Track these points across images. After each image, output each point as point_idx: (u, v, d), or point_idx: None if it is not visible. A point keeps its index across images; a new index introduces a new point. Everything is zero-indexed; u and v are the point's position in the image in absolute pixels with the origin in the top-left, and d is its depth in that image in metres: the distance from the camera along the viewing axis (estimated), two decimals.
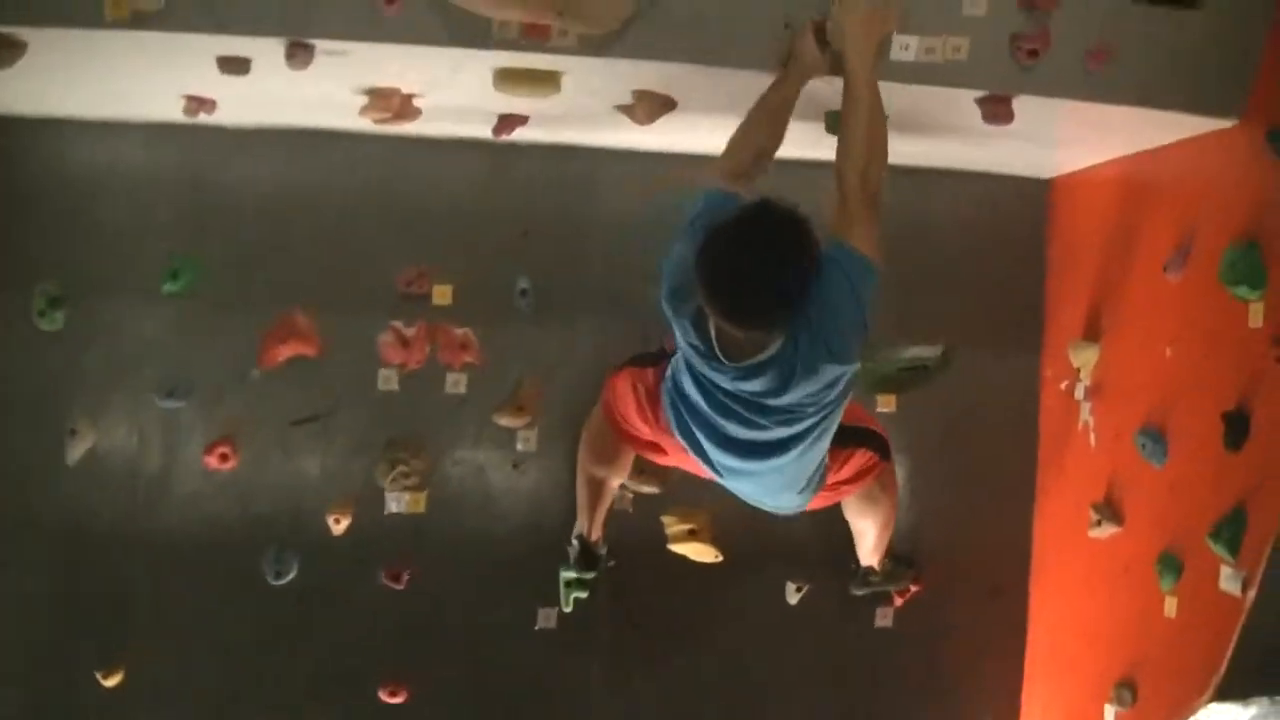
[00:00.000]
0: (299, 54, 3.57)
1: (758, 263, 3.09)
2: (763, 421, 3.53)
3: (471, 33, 3.50)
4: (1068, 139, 4.41)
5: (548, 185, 4.75)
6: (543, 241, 4.75)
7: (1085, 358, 4.64)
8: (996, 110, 3.86)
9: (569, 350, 4.79)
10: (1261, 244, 3.76)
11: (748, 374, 3.38)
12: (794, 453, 3.65)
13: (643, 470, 4.61)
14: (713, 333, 3.36)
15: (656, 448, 4.13)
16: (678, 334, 3.50)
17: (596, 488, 4.44)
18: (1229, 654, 3.82)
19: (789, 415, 3.51)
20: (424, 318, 4.69)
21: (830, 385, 3.43)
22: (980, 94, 3.82)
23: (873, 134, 3.44)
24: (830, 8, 3.52)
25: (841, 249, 3.31)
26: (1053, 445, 4.96)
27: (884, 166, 3.47)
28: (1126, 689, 4.31)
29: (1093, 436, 4.65)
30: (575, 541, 4.56)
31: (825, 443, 3.76)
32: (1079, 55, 3.72)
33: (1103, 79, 3.76)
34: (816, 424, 3.59)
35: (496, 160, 4.68)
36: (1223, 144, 3.96)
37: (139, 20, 3.42)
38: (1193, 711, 3.99)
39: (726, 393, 3.51)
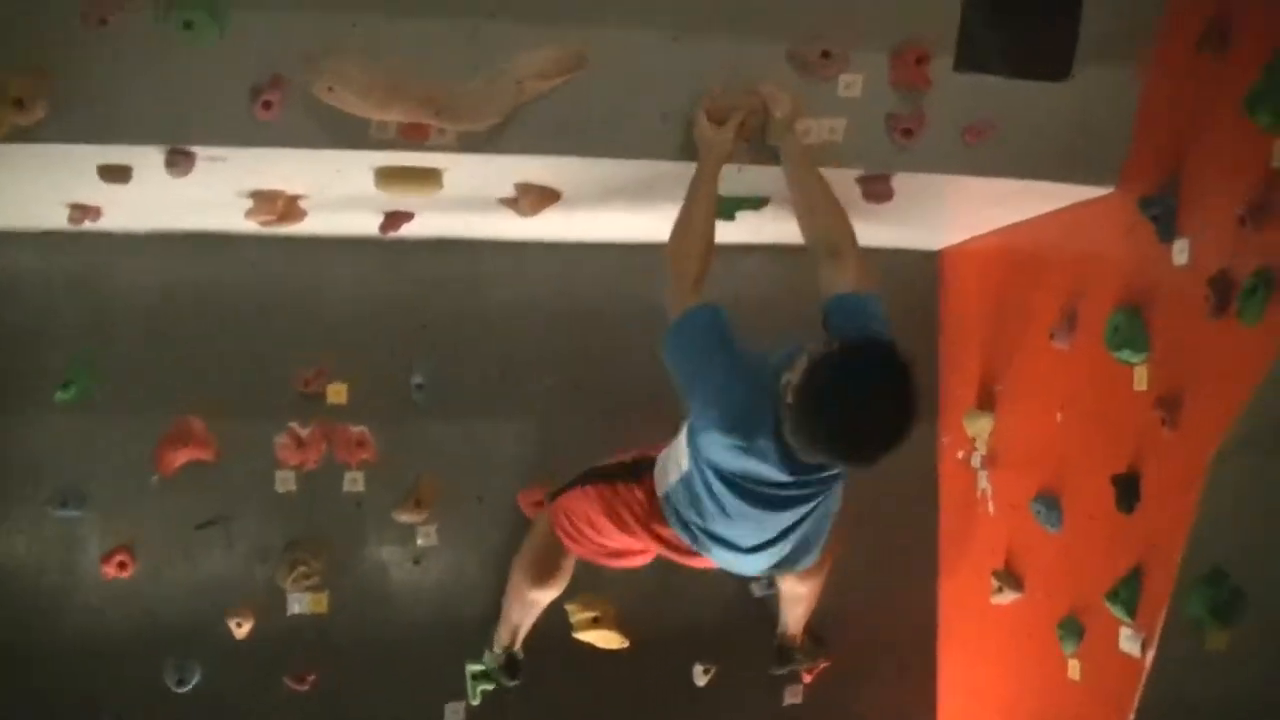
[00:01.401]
0: (179, 161, 3.54)
1: (890, 424, 3.09)
2: (810, 493, 3.57)
3: (349, 134, 3.49)
4: (951, 212, 4.50)
5: (437, 279, 4.74)
6: (435, 335, 4.74)
7: (980, 426, 4.70)
8: (876, 189, 3.94)
9: (466, 442, 4.77)
10: (1143, 308, 3.84)
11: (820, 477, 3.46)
12: (823, 514, 3.74)
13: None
14: (795, 451, 3.28)
15: (636, 554, 4.15)
16: (735, 460, 3.44)
17: (534, 607, 4.40)
18: (1133, 714, 3.87)
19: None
20: (320, 417, 4.65)
21: None
22: (859, 173, 3.89)
23: (830, 189, 3.58)
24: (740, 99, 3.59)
25: (867, 298, 3.47)
26: (953, 514, 5.01)
27: None
28: None
29: (990, 505, 4.70)
30: (500, 653, 4.50)
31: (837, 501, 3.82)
32: (956, 131, 3.79)
33: (980, 153, 3.84)
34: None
35: (385, 256, 4.66)
36: (1100, 212, 4.06)
37: (18, 134, 3.37)
38: None
39: (783, 485, 3.48)
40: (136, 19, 3.31)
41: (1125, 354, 3.87)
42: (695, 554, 3.94)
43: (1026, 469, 4.45)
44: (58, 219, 4.20)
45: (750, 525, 3.67)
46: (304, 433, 4.63)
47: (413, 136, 3.53)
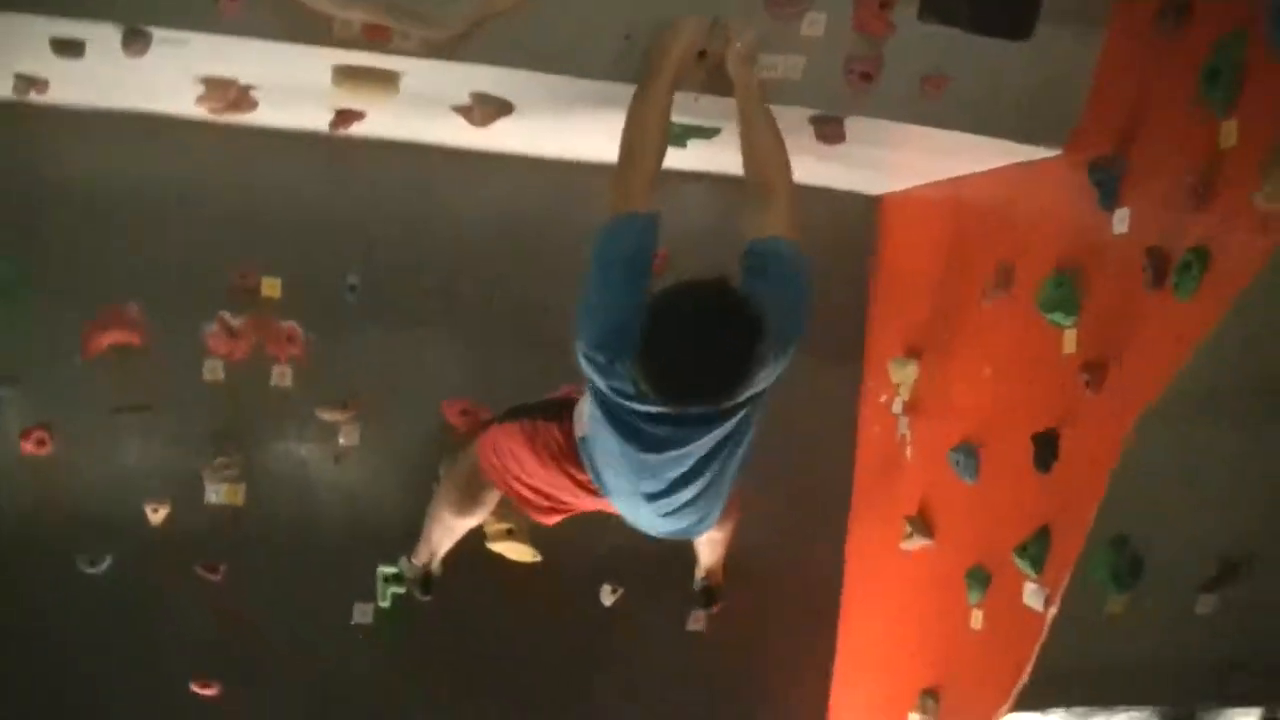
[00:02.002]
0: (135, 41, 3.48)
1: (718, 364, 3.09)
2: (696, 438, 3.49)
3: (311, 30, 3.44)
4: (897, 160, 4.52)
5: (382, 182, 4.70)
6: (376, 239, 4.71)
7: (905, 374, 4.77)
8: (828, 130, 3.95)
9: (396, 349, 4.76)
10: (1078, 272, 3.92)
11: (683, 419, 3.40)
12: (723, 464, 3.64)
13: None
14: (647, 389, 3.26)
15: (558, 505, 4.11)
16: (601, 383, 3.39)
17: (453, 532, 4.39)
18: (1030, 666, 3.99)
19: (725, 421, 3.49)
20: (253, 311, 4.61)
21: (763, 394, 3.49)
22: (814, 113, 3.90)
23: (777, 130, 3.56)
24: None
25: (790, 246, 3.41)
26: (870, 458, 5.09)
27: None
28: (931, 698, 4.47)
29: (909, 450, 4.79)
30: (418, 566, 4.48)
31: (747, 443, 3.70)
32: (913, 80, 3.82)
33: (934, 104, 3.87)
34: (747, 416, 3.56)
35: (332, 154, 4.59)
36: (1046, 173, 4.12)
37: None
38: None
39: (667, 420, 3.42)
40: None
41: (1057, 316, 3.95)
42: (605, 499, 3.95)
43: (948, 419, 4.54)
44: (2, 89, 4.09)
45: (632, 467, 3.62)
46: (235, 323, 4.59)
47: (375, 37, 3.49)
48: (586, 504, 4.07)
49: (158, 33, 3.47)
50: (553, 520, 4.21)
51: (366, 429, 4.76)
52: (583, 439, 3.82)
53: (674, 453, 3.52)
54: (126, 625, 4.61)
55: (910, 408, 4.79)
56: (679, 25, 3.53)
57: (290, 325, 4.65)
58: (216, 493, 4.63)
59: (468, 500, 4.25)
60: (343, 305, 4.69)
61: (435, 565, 4.49)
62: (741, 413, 3.50)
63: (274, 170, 4.62)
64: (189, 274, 4.57)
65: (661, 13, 3.57)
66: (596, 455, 3.75)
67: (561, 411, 3.95)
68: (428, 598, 4.50)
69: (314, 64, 3.66)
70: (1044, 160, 4.12)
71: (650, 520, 3.85)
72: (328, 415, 4.71)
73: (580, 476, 3.93)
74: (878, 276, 5.14)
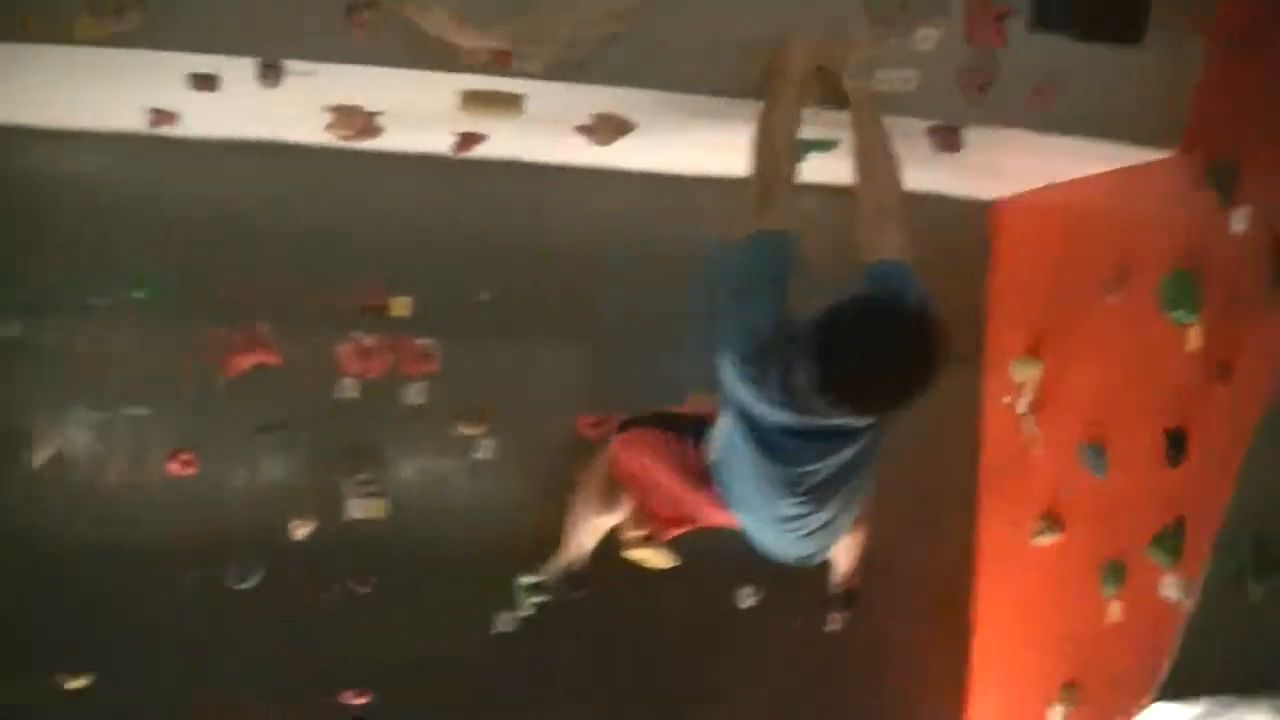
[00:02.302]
0: (270, 74, 3.65)
1: (900, 383, 3.06)
2: (837, 452, 3.49)
3: (440, 56, 3.58)
4: (1011, 165, 4.56)
5: (505, 200, 4.84)
6: (502, 255, 4.85)
7: (1028, 374, 4.82)
8: (945, 139, 4.03)
9: (529, 363, 4.91)
10: (1197, 271, 3.96)
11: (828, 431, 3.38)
12: (860, 476, 3.64)
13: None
14: (802, 397, 3.20)
15: (683, 517, 4.16)
16: (747, 397, 3.40)
17: (596, 531, 4.46)
18: (1173, 656, 4.01)
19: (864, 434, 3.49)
20: (384, 330, 4.78)
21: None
22: (931, 123, 3.98)
23: (890, 144, 3.58)
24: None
25: (905, 269, 3.40)
26: (995, 458, 5.14)
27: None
28: (1071, 691, 4.50)
29: (1036, 449, 4.83)
30: (563, 566, 4.56)
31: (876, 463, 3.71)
32: (1026, 88, 3.88)
33: (1048, 111, 3.92)
34: (879, 435, 3.55)
35: (456, 176, 4.73)
36: (1160, 174, 4.16)
37: (116, 40, 3.47)
38: (1137, 711, 4.17)
39: (806, 434, 3.41)
40: None
41: (1179, 314, 4.00)
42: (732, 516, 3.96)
43: (1073, 417, 4.59)
44: (135, 122, 4.30)
45: (770, 484, 3.59)
46: (368, 342, 4.77)
47: (502, 61, 3.62)
48: (713, 519, 4.07)
49: (290, 64, 3.63)
50: (672, 534, 4.28)
51: (502, 442, 4.91)
52: (714, 463, 3.84)
53: (811, 467, 3.51)
54: (276, 637, 4.78)
55: (1035, 407, 4.83)
56: (799, 41, 3.62)
57: (424, 343, 4.81)
58: (358, 508, 4.81)
59: (606, 499, 4.32)
60: (475, 321, 4.84)
61: (580, 564, 4.56)
62: (875, 430, 3.50)
63: (401, 192, 4.78)
64: (321, 295, 4.73)
65: (776, 26, 3.65)
66: (732, 478, 3.75)
67: (698, 429, 3.96)
68: (579, 593, 4.55)
69: (439, 89, 3.79)
70: (1157, 162, 4.15)
71: (781, 542, 3.86)
72: (464, 429, 4.86)
73: (710, 494, 3.94)
74: (994, 280, 5.20)
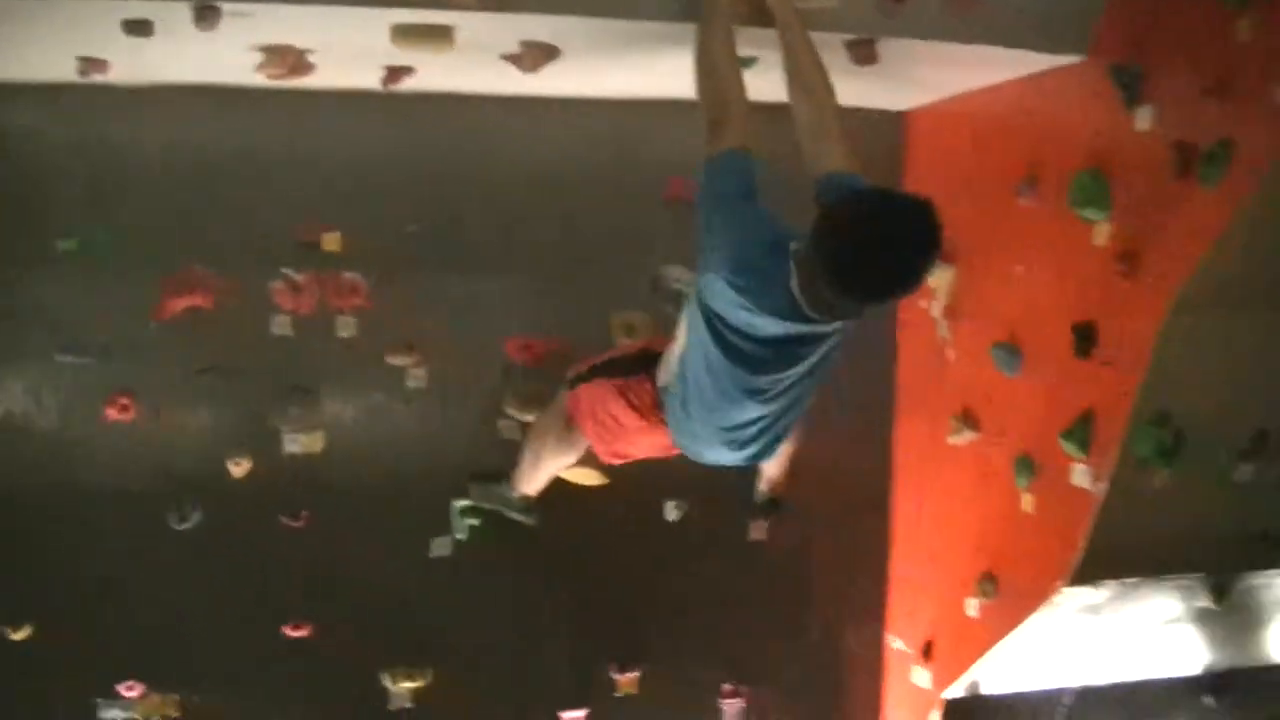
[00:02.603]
0: (207, 15, 3.66)
1: (911, 264, 3.15)
2: (801, 359, 3.59)
3: None
4: (924, 76, 4.70)
5: (434, 132, 4.88)
6: (431, 187, 4.90)
7: (942, 279, 5.00)
8: (863, 52, 4.15)
9: (456, 291, 4.96)
10: (1105, 169, 4.14)
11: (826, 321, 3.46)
12: (808, 387, 3.76)
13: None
14: (801, 302, 3.35)
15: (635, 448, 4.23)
16: (733, 308, 3.47)
17: (551, 469, 4.53)
18: (1082, 543, 4.25)
19: (824, 344, 3.60)
20: (316, 266, 4.81)
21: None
22: (849, 37, 4.10)
23: (820, 59, 3.70)
24: None
25: (857, 179, 3.48)
26: (911, 362, 5.34)
27: None
28: (989, 581, 4.73)
29: (950, 351, 5.04)
30: (518, 496, 4.62)
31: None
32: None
33: (963, 21, 4.06)
34: (834, 353, 3.70)
35: (383, 110, 4.77)
36: (1069, 78, 4.33)
37: None
38: (1051, 595, 4.42)
39: (781, 341, 3.50)
40: None
41: (1089, 212, 4.19)
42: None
43: (986, 318, 4.79)
44: (65, 72, 4.27)
45: (730, 393, 3.70)
46: (299, 279, 4.81)
47: None
48: (653, 450, 4.22)
49: (226, 6, 3.64)
50: (621, 460, 4.36)
51: (433, 370, 4.98)
52: (664, 388, 3.95)
53: (783, 374, 3.63)
54: (218, 575, 4.83)
55: (950, 311, 5.02)
56: None
57: (353, 276, 4.85)
58: (295, 442, 4.86)
59: (563, 443, 4.38)
60: (402, 254, 4.88)
61: (533, 495, 4.63)
62: (837, 338, 3.63)
63: (329, 129, 4.81)
64: (252, 235, 4.78)
65: None
66: (687, 395, 3.82)
67: (648, 364, 4.06)
68: (533, 522, 4.64)
69: (372, 24, 3.82)
70: (1065, 67, 4.31)
71: (727, 452, 3.96)
72: (395, 360, 4.93)
73: (650, 422, 4.07)
74: (909, 188, 5.32)
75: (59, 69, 4.27)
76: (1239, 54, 3.65)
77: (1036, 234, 4.50)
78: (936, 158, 5.18)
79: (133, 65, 4.28)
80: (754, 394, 3.68)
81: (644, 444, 4.21)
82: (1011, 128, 4.70)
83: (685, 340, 3.77)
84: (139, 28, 3.79)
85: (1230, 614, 4.92)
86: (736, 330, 3.53)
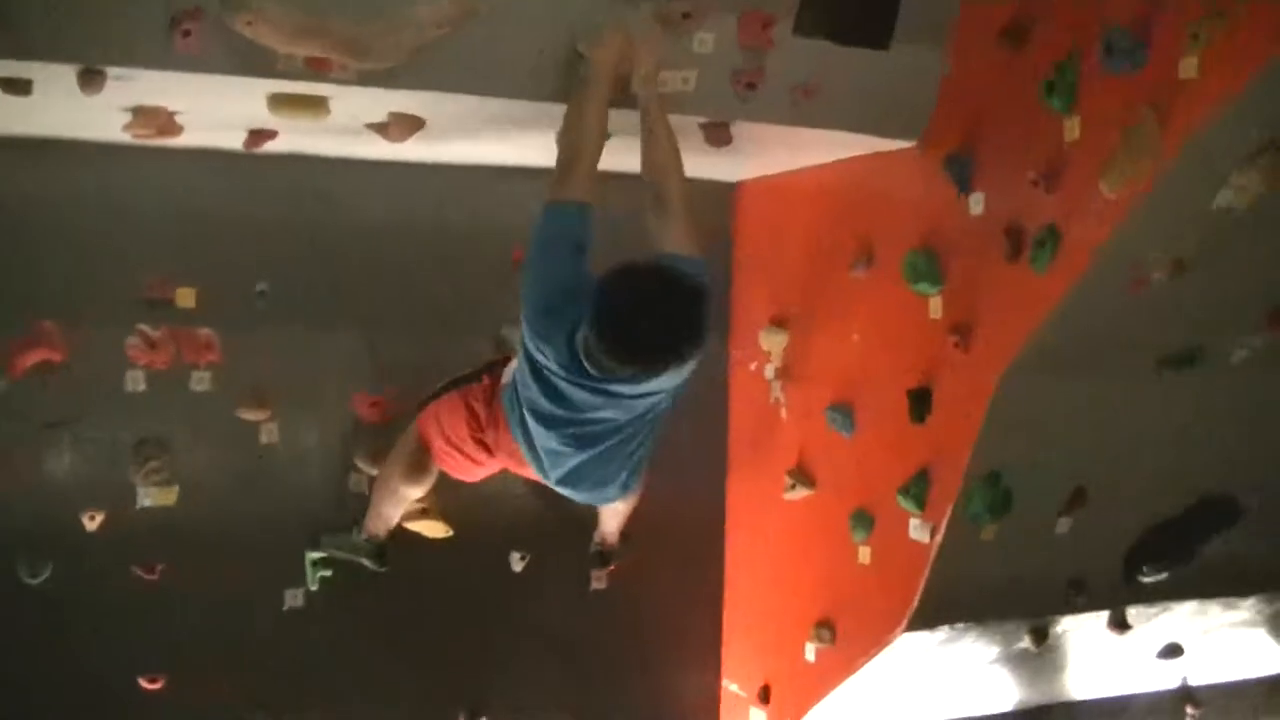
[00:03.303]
0: (93, 80, 3.72)
1: (672, 335, 3.47)
2: (608, 411, 3.89)
3: (257, 63, 3.73)
4: (762, 153, 5.00)
5: (288, 193, 4.97)
6: (282, 246, 4.98)
7: (774, 342, 5.29)
8: (717, 134, 4.44)
9: (306, 348, 5.05)
10: (938, 248, 4.49)
11: (614, 381, 3.71)
12: (627, 439, 4.06)
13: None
14: (582, 357, 3.62)
15: (484, 452, 4.45)
16: (535, 347, 3.77)
17: (402, 501, 4.70)
18: (919, 591, 4.56)
19: (638, 401, 3.90)
20: (170, 321, 4.83)
21: (679, 386, 3.91)
22: (704, 120, 4.37)
23: (676, 143, 3.96)
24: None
25: (695, 264, 3.74)
26: (744, 422, 5.60)
27: None
28: (826, 628, 5.02)
29: (784, 411, 5.32)
30: (368, 541, 4.77)
31: (652, 438, 4.19)
32: (789, 87, 4.32)
33: (807, 107, 4.38)
34: (654, 416, 4.04)
35: (244, 170, 4.85)
36: (901, 161, 4.68)
37: None
38: (889, 641, 4.71)
39: (585, 387, 3.79)
40: None
41: (922, 286, 4.52)
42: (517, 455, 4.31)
43: (821, 381, 5.08)
44: None
45: (551, 422, 4.00)
46: (154, 334, 4.82)
47: (318, 68, 3.80)
48: (507, 456, 4.41)
49: (112, 70, 3.71)
50: (475, 475, 4.60)
51: (285, 426, 5.04)
52: (504, 386, 4.22)
53: (590, 415, 3.91)
54: (71, 629, 4.79)
55: (782, 373, 5.30)
56: (607, 38, 3.93)
57: (206, 333, 4.89)
58: (149, 496, 4.86)
59: (413, 469, 4.59)
60: (254, 311, 4.94)
61: (384, 537, 4.78)
62: (653, 400, 3.93)
63: (185, 187, 4.84)
64: (107, 289, 4.77)
65: (571, 34, 3.96)
66: (522, 405, 4.08)
67: (491, 370, 4.41)
68: (384, 569, 4.79)
69: (251, 93, 3.95)
70: (898, 150, 4.66)
71: (556, 476, 4.23)
72: (248, 415, 4.98)
73: (488, 420, 4.35)
74: (738, 256, 5.63)
75: None
76: (1067, 151, 4.01)
77: (872, 304, 4.82)
78: (769, 227, 5.46)
79: None
80: (558, 426, 3.98)
81: (487, 456, 4.47)
82: (845, 203, 5.03)
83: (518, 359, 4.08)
84: (17, 87, 3.80)
85: (1044, 655, 5.32)
86: (541, 365, 3.85)
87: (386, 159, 4.93)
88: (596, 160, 3.89)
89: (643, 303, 3.45)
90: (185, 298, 4.87)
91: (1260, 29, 3.49)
